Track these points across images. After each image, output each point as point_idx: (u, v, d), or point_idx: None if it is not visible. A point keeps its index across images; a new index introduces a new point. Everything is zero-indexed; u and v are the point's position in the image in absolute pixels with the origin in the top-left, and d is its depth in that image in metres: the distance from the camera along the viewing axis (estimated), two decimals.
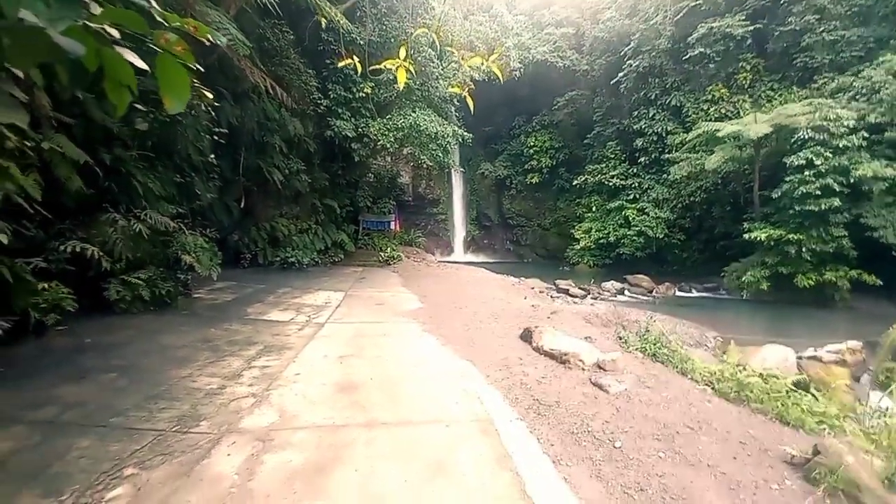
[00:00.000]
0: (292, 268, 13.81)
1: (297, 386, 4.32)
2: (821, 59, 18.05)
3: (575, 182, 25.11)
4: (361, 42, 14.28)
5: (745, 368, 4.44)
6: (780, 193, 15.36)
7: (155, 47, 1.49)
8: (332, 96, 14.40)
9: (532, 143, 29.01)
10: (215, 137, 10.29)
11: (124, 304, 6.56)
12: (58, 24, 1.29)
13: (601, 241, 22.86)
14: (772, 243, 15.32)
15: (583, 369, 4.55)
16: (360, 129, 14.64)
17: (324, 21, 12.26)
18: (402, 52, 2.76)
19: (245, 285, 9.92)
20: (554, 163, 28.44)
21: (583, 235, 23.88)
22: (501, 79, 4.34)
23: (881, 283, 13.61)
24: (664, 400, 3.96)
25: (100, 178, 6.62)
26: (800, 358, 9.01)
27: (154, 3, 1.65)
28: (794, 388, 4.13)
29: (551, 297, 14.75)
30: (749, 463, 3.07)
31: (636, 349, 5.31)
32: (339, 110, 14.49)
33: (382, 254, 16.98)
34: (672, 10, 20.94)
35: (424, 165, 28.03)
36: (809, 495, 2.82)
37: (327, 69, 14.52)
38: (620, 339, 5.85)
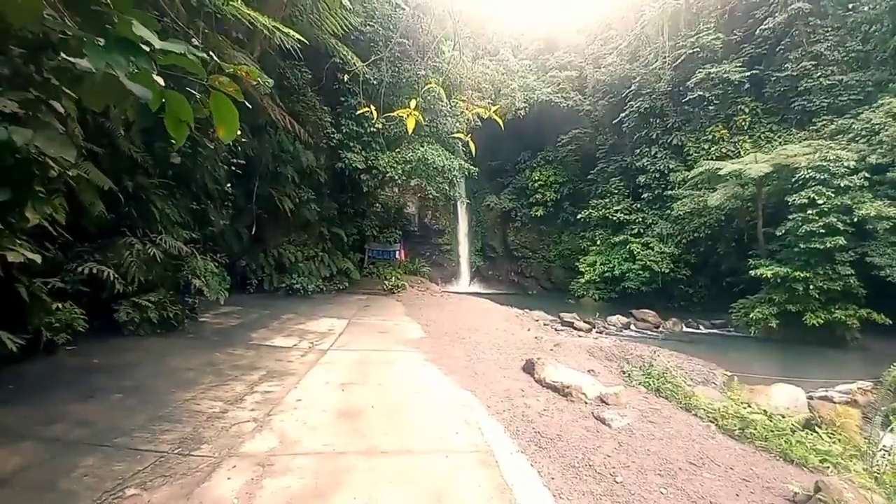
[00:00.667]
0: (297, 294, 13.92)
1: (299, 412, 4.33)
2: (819, 102, 18.62)
3: (579, 216, 25.42)
4: (375, 82, 15.06)
5: (749, 405, 4.39)
6: (784, 231, 15.45)
7: (210, 87, 1.74)
8: (344, 131, 15.04)
9: (537, 178, 29.61)
10: (232, 168, 10.76)
11: (132, 326, 6.68)
12: (126, 70, 1.53)
13: (606, 274, 22.84)
14: (778, 280, 15.26)
15: (585, 402, 4.52)
16: (369, 161, 15.16)
17: (340, 61, 13.04)
18: (413, 104, 3.01)
19: (250, 310, 10.02)
20: (558, 196, 28.90)
21: (588, 269, 23.89)
22: (502, 126, 4.58)
23: (890, 322, 13.38)
24: (667, 435, 3.92)
25: (121, 204, 6.93)
26: (810, 398, 8.80)
27: (212, 54, 1.93)
28: (798, 426, 4.07)
29: (555, 329, 14.64)
30: (752, 500, 3.02)
31: (639, 384, 5.26)
32: (351, 143, 15.08)
33: (387, 282, 17.08)
34: (671, 56, 21.93)
35: (431, 197, 28.77)
36: None
37: (341, 106, 15.24)
38: (624, 373, 5.81)
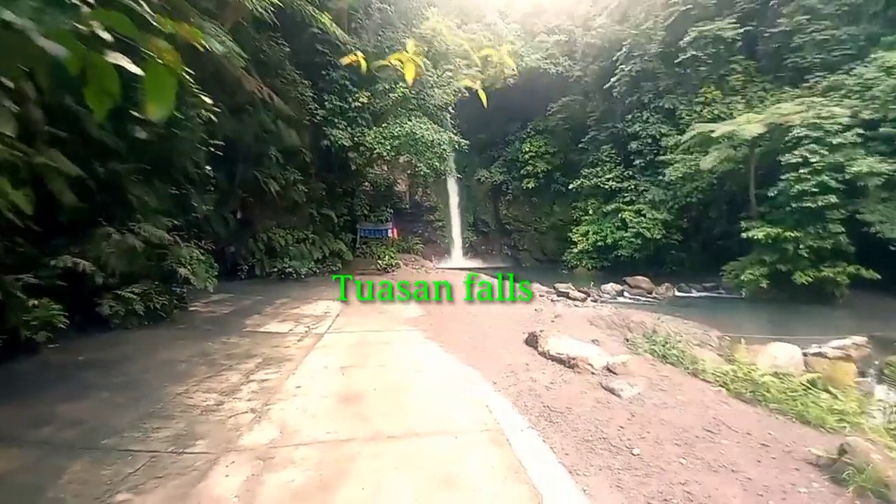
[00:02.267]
0: (290, 278, 13.62)
1: (298, 399, 4.14)
2: (811, 58, 18.21)
3: (571, 186, 25.13)
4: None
5: (758, 368, 4.30)
6: (776, 192, 15.37)
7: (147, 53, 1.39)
8: (327, 106, 14.35)
9: (527, 149, 29.07)
10: (211, 150, 10.19)
11: (118, 319, 6.38)
12: (42, 26, 1.20)
13: (599, 243, 22.80)
14: (770, 241, 15.28)
15: (592, 373, 4.39)
16: (356, 139, 14.57)
17: (318, 30, 12.27)
18: (411, 46, 2.65)
19: (243, 297, 9.73)
20: (549, 167, 28.49)
21: (580, 238, 23.82)
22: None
23: (879, 277, 13.54)
24: (679, 403, 3.81)
25: (94, 193, 6.50)
26: (805, 355, 8.87)
27: (147, 8, 1.56)
28: (809, 386, 4.00)
29: (552, 300, 14.60)
30: (774, 466, 2.92)
31: (645, 351, 5.16)
32: (335, 120, 14.43)
33: (381, 261, 16.81)
34: (662, 14, 21.15)
35: (421, 173, 28.15)
36: (839, 497, 2.67)
37: (323, 80, 14.49)
38: (627, 341, 5.71)
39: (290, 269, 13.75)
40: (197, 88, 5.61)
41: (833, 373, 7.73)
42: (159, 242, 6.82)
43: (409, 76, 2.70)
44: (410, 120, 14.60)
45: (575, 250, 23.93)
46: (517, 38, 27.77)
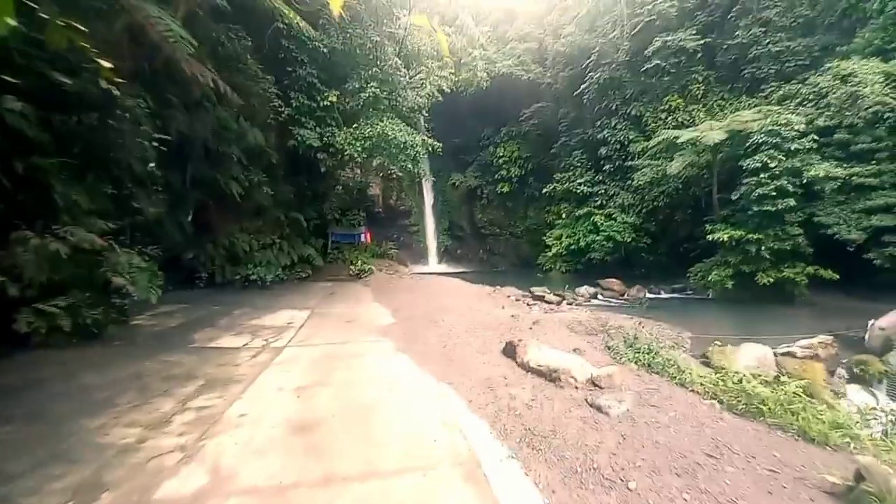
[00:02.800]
0: (254, 286, 12.69)
1: (241, 431, 3.48)
2: (767, 69, 18.87)
3: (544, 190, 25.13)
4: (326, 51, 13.58)
5: (749, 377, 3.98)
6: (738, 195, 15.69)
7: None
8: (294, 105, 13.56)
9: (501, 154, 28.99)
10: (161, 147, 9.27)
11: (39, 337, 5.46)
12: None
13: (572, 246, 22.81)
14: (733, 243, 15.58)
15: (576, 387, 3.95)
16: (325, 139, 13.84)
17: (284, 25, 11.54)
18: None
19: (197, 307, 8.82)
20: (523, 172, 28.49)
21: (554, 242, 23.79)
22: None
23: (838, 277, 13.98)
24: (672, 420, 3.42)
25: (11, 192, 5.57)
26: (776, 355, 8.85)
27: None
28: (803, 394, 3.70)
29: (527, 304, 14.29)
30: (787, 497, 2.53)
31: (629, 360, 4.80)
32: (303, 119, 13.66)
33: (353, 267, 16.07)
34: (628, 25, 21.51)
35: (394, 176, 27.53)
36: None
37: (289, 77, 13.69)
38: (609, 349, 5.35)
39: (255, 277, 12.81)
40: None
41: (804, 373, 7.68)
42: (91, 248, 5.93)
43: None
44: (382, 121, 14.01)
45: (549, 254, 23.87)
46: (489, 44, 27.72)
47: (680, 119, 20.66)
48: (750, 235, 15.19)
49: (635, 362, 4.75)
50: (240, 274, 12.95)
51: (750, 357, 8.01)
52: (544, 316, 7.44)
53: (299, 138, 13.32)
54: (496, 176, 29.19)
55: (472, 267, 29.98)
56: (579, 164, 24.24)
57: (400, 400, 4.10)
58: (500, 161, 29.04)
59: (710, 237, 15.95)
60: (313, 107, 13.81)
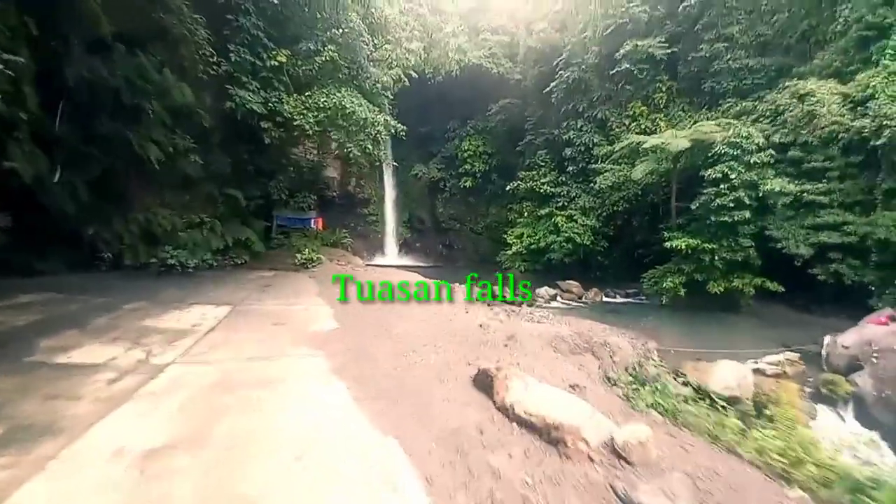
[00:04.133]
0: (172, 272, 10.31)
1: None
2: (726, 84, 18.89)
3: (508, 188, 24.08)
4: (276, 0, 11.31)
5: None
6: (697, 205, 15.41)
7: None
8: (234, 59, 11.18)
9: (466, 147, 27.60)
10: (42, 89, 6.85)
11: None
12: None
13: (532, 246, 21.97)
14: (690, 252, 15.30)
15: (591, 458, 2.57)
16: (270, 104, 11.59)
17: None
18: None
19: (74, 298, 6.54)
20: (487, 168, 27.32)
21: (515, 241, 22.84)
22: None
23: (783, 289, 14.03)
24: None
25: None
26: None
27: None
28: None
29: (488, 304, 13.07)
30: None
31: (648, 406, 3.53)
32: (244, 78, 11.33)
33: (300, 255, 13.94)
34: (601, 26, 20.80)
35: (353, 160, 25.21)
36: None
37: (229, 27, 11.27)
38: (610, 381, 4.08)
39: (173, 261, 10.42)
40: None
41: (782, 394, 6.99)
42: None
43: None
44: (340, 91, 12.01)
45: (509, 252, 22.89)
46: (461, 32, 26.10)
47: (643, 126, 20.32)
48: (706, 245, 14.95)
49: (655, 408, 3.51)
50: (156, 257, 10.50)
51: (728, 376, 7.21)
52: (517, 327, 6.06)
53: (238, 100, 11.01)
54: (460, 170, 27.80)
55: (430, 261, 28.49)
56: (543, 164, 23.42)
57: (317, 477, 2.48)
58: (465, 155, 27.66)
59: (667, 244, 15.57)
60: (258, 65, 11.51)
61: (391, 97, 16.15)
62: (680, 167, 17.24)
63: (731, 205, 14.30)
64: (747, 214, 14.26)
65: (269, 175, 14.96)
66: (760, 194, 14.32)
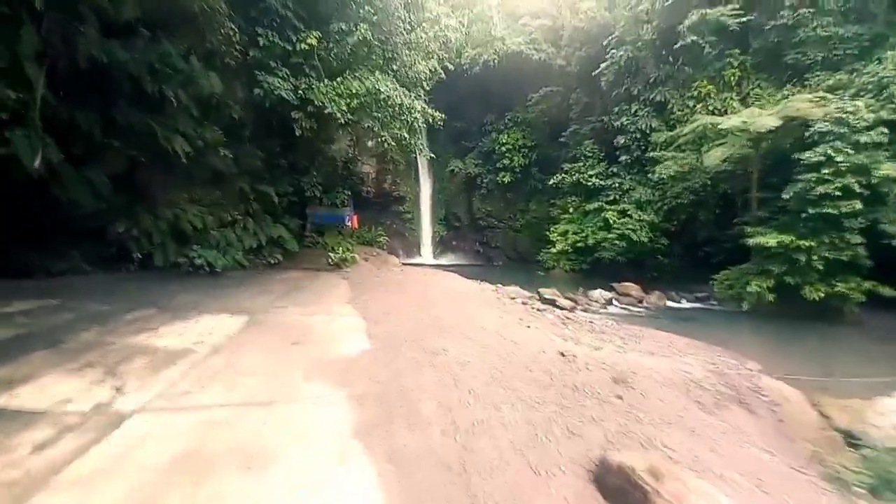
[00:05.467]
0: (200, 272, 9.40)
1: None
2: (813, 55, 15.88)
3: (551, 182, 21.99)
4: None
5: None
6: (791, 194, 12.73)
7: None
8: (262, 44, 10.10)
9: (504, 141, 25.72)
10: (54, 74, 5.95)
11: None
12: None
13: (579, 244, 19.83)
14: (780, 250, 12.67)
15: None
16: (301, 92, 10.43)
17: None
18: None
19: (69, 306, 5.52)
20: (527, 162, 25.30)
21: (559, 238, 20.77)
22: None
23: None
24: None
25: None
26: None
27: None
28: None
29: (537, 309, 11.33)
30: None
31: None
32: (273, 64, 10.23)
33: (333, 255, 12.81)
34: None
35: (389, 157, 24.10)
36: None
37: (255, 8, 10.21)
38: (830, 479, 2.33)
39: (200, 261, 9.49)
40: None
41: None
42: None
43: None
44: (374, 75, 10.66)
45: (552, 251, 20.85)
46: (498, 20, 24.27)
47: (711, 107, 17.58)
48: (801, 242, 12.28)
49: None
50: (186, 256, 9.64)
51: None
52: (619, 361, 4.24)
53: (266, 86, 9.91)
54: (498, 164, 25.95)
55: (467, 259, 26.97)
56: (591, 155, 21.12)
57: None
58: (503, 149, 25.77)
59: (750, 241, 13.02)
60: (287, 49, 10.37)
61: (427, 88, 14.67)
62: (762, 151, 14.55)
63: (838, 193, 11.62)
64: (858, 205, 11.54)
65: (301, 171, 13.95)
66: (874, 181, 11.52)
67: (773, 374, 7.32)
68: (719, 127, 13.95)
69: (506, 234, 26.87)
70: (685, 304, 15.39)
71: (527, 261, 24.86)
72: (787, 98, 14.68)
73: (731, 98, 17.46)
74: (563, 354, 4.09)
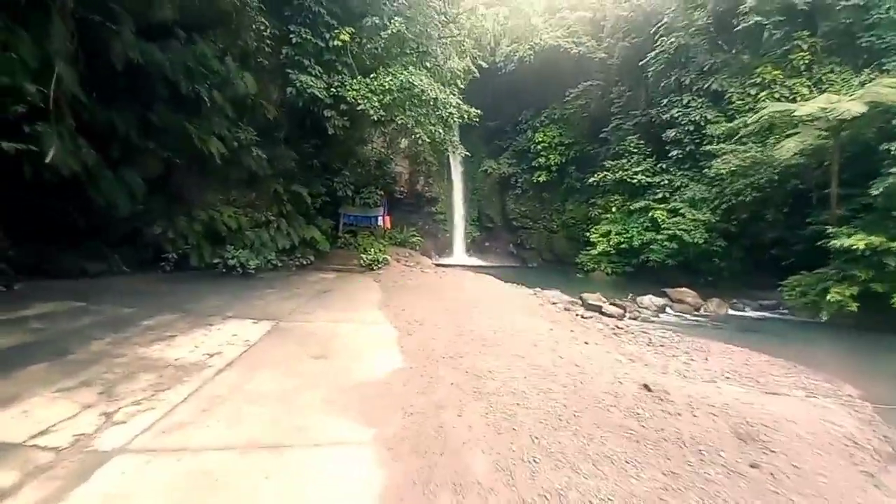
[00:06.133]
0: (233, 273, 9.14)
1: None
2: (889, 39, 13.72)
3: (591, 180, 20.50)
4: None
5: None
6: (880, 189, 10.81)
7: None
8: (295, 41, 9.75)
9: (540, 139, 24.43)
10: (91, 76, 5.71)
11: None
12: None
13: (622, 245, 18.28)
14: (867, 253, 10.77)
15: None
16: (333, 90, 9.99)
17: None
18: None
19: (91, 310, 5.19)
20: (563, 160, 23.88)
21: (600, 239, 19.28)
22: None
23: None
24: None
25: None
26: None
27: None
28: None
29: (581, 316, 10.20)
30: None
31: None
32: (306, 62, 9.84)
33: (365, 256, 12.34)
34: None
35: (422, 158, 23.57)
36: None
37: (290, 6, 9.88)
38: None
39: (234, 262, 9.24)
40: None
41: None
42: None
43: None
44: (407, 69, 10.03)
45: (593, 252, 19.38)
46: (534, 14, 23.12)
47: (777, 95, 15.60)
48: (893, 244, 10.37)
49: None
50: (221, 257, 9.43)
51: None
52: (730, 399, 3.16)
53: (299, 85, 9.52)
54: (533, 163, 24.69)
55: (500, 261, 25.88)
56: (636, 151, 19.47)
57: None
58: (539, 147, 24.48)
59: (836, 243, 11.17)
60: (320, 47, 9.97)
61: (461, 87, 13.90)
62: (841, 141, 12.58)
63: None
64: None
65: (334, 171, 13.61)
66: None
67: (871, 400, 5.87)
68: (793, 114, 12.15)
69: (541, 235, 25.56)
70: (750, 313, 13.59)
71: (563, 263, 23.47)
72: (864, 84, 12.65)
73: (801, 84, 15.40)
74: (647, 388, 3.13)
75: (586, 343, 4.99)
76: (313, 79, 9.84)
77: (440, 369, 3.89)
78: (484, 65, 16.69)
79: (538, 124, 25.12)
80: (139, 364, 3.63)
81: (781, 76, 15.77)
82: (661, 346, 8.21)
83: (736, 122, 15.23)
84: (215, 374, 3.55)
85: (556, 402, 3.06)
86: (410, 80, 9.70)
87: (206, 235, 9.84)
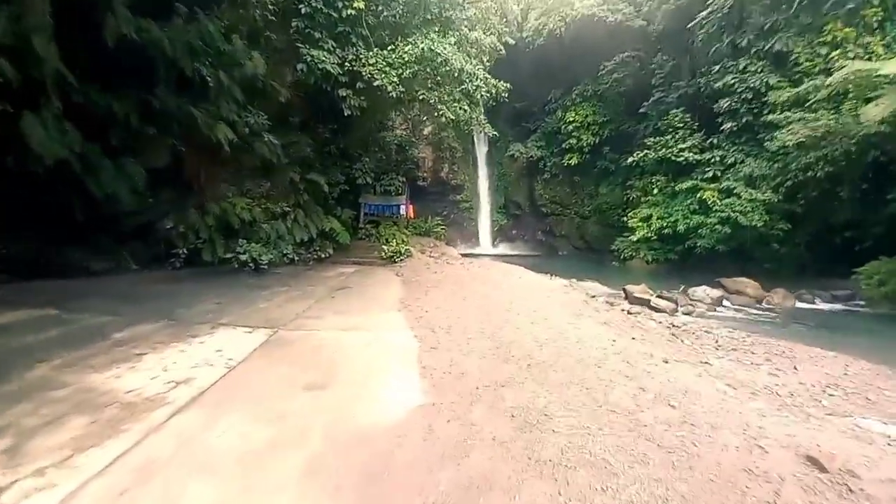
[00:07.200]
0: (245, 269, 8.33)
1: None
2: None
3: (630, 160, 18.42)
4: None
5: None
6: None
7: None
8: (305, 12, 8.61)
9: (571, 119, 22.33)
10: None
11: None
12: None
13: (665, 230, 16.33)
14: None
15: None
16: (348, 65, 8.82)
17: None
18: None
19: (67, 318, 4.37)
20: (596, 140, 21.73)
21: (640, 224, 17.35)
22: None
23: None
24: None
25: None
26: None
27: None
28: None
29: (627, 311, 8.73)
30: None
31: None
32: (317, 35, 8.70)
33: (387, 247, 11.32)
34: None
35: (446, 145, 22.19)
36: None
37: None
38: None
39: (245, 256, 8.42)
40: None
41: None
42: None
43: None
44: (429, 36, 8.69)
45: (632, 238, 17.48)
46: None
47: (851, 55, 13.03)
48: None
49: None
50: (234, 252, 8.65)
51: None
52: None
53: (310, 60, 8.42)
54: (563, 145, 22.67)
55: (528, 249, 24.31)
56: (681, 125, 17.21)
57: None
58: (570, 127, 22.39)
59: None
60: (332, 17, 8.77)
61: (487, 64, 12.36)
62: None
63: None
64: None
65: (353, 158, 12.57)
66: None
67: None
68: (878, 74, 9.87)
69: (571, 222, 23.70)
70: (821, 305, 11.55)
71: (596, 250, 21.65)
72: None
73: (875, 43, 12.84)
74: (814, 462, 1.80)
75: (665, 362, 3.67)
76: (326, 53, 8.71)
77: (475, 409, 2.71)
78: (511, 41, 15.04)
79: (569, 103, 22.94)
80: (78, 400, 2.69)
81: (853, 34, 13.14)
82: (733, 349, 6.67)
83: (805, 85, 12.87)
84: (169, 416, 2.55)
85: (664, 486, 1.82)
86: (432, 47, 8.37)
87: (219, 229, 9.06)
